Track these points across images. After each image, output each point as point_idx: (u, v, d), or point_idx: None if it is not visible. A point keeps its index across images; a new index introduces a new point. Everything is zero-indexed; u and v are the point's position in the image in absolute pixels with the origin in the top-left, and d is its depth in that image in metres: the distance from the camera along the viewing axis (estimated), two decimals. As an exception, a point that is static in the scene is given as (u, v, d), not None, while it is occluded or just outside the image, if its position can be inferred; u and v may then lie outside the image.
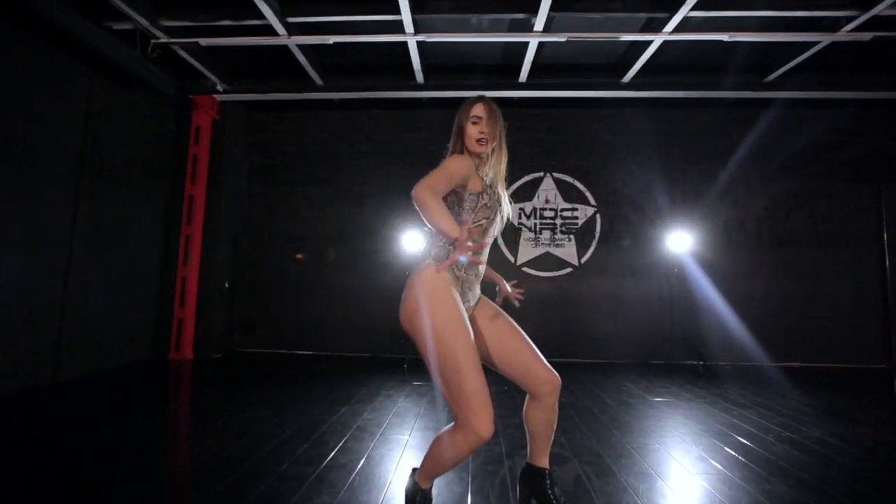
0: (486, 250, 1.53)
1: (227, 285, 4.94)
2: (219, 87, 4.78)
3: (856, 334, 4.78)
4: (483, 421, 1.23)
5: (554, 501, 1.47)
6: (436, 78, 4.64)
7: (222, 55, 4.49)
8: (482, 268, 1.53)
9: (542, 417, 1.48)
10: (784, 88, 4.43)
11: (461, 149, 1.57)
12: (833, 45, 3.83)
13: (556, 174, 5.03)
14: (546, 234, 4.97)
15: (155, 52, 3.98)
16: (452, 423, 1.30)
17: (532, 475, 1.54)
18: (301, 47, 4.09)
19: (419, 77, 4.50)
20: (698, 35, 3.61)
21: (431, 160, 5.18)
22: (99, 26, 3.69)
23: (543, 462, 1.52)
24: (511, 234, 5.00)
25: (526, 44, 3.88)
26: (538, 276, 4.94)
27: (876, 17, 3.42)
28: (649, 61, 4.09)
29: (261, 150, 5.39)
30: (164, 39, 3.91)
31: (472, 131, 1.54)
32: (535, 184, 5.04)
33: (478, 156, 1.55)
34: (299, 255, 4.97)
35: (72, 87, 3.60)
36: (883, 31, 3.59)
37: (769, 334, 4.69)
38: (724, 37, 3.60)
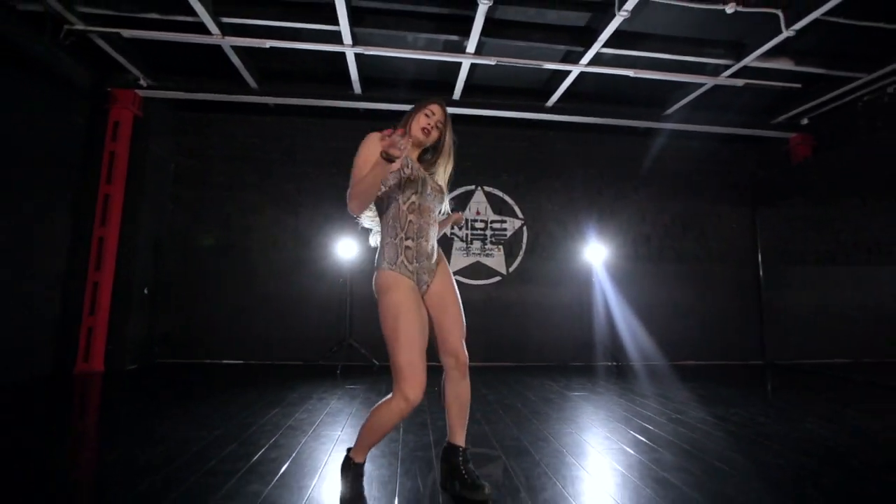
0: (432, 231, 1.63)
1: (146, 292, 4.63)
2: (142, 82, 4.54)
3: (738, 336, 5.52)
4: (412, 386, 1.43)
5: (466, 476, 1.61)
6: (373, 90, 4.77)
7: (147, 49, 4.29)
8: (430, 247, 1.62)
9: (450, 390, 1.65)
10: (679, 121, 5.10)
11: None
12: (716, 88, 4.51)
13: (486, 188, 5.34)
14: (477, 245, 5.23)
15: (68, 39, 3.74)
16: (389, 394, 1.49)
17: (449, 452, 1.68)
18: (236, 49, 4.04)
19: (357, 88, 4.61)
20: (609, 69, 4.10)
21: None
22: (2, 5, 3.41)
23: (459, 440, 1.67)
24: (444, 243, 5.20)
25: (459, 64, 4.15)
26: (469, 285, 5.17)
27: (747, 68, 4.10)
28: (569, 89, 4.54)
29: (188, 153, 5.17)
30: (79, 26, 3.68)
31: (422, 121, 1.65)
32: (468, 196, 5.31)
33: (416, 145, 1.67)
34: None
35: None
36: (753, 80, 4.31)
37: (669, 337, 5.28)
38: (629, 73, 4.12)
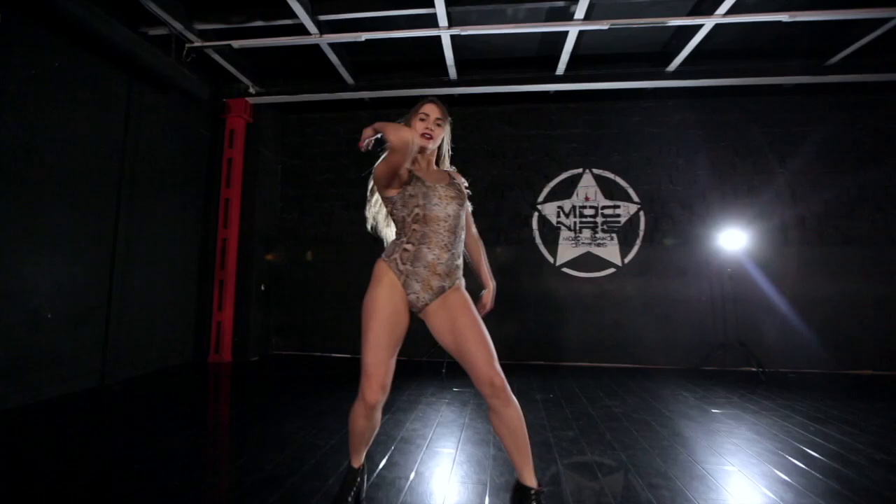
0: (439, 239, 1.57)
1: (262, 288, 4.93)
2: (251, 90, 4.77)
3: (932, 338, 4.37)
4: (369, 386, 1.49)
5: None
6: (469, 73, 4.50)
7: (254, 57, 4.47)
8: (432, 257, 1.55)
9: (498, 423, 1.45)
10: (848, 72, 4.08)
11: None
12: (906, 22, 3.49)
13: (595, 170, 4.81)
14: (586, 233, 4.75)
15: (190, 56, 3.99)
16: None
17: (519, 494, 1.47)
18: (333, 46, 4.02)
19: (452, 73, 4.37)
20: (754, 17, 3.34)
21: (463, 157, 5.07)
22: (135, 32, 3.71)
23: (527, 479, 1.45)
24: (550, 233, 4.81)
25: (564, 34, 3.70)
26: (578, 277, 4.73)
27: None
28: (697, 48, 3.84)
29: (293, 153, 5.38)
30: (198, 43, 3.91)
31: (418, 126, 1.66)
32: (574, 181, 4.83)
33: (422, 151, 1.68)
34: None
35: (110, 94, 3.63)
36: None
37: (836, 338, 4.34)
38: (783, 17, 3.32)
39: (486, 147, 5.00)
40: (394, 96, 4.80)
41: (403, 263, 1.58)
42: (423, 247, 1.55)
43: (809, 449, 2.30)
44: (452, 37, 3.81)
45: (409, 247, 1.58)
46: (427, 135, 1.64)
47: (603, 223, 4.73)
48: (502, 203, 4.90)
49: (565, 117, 4.88)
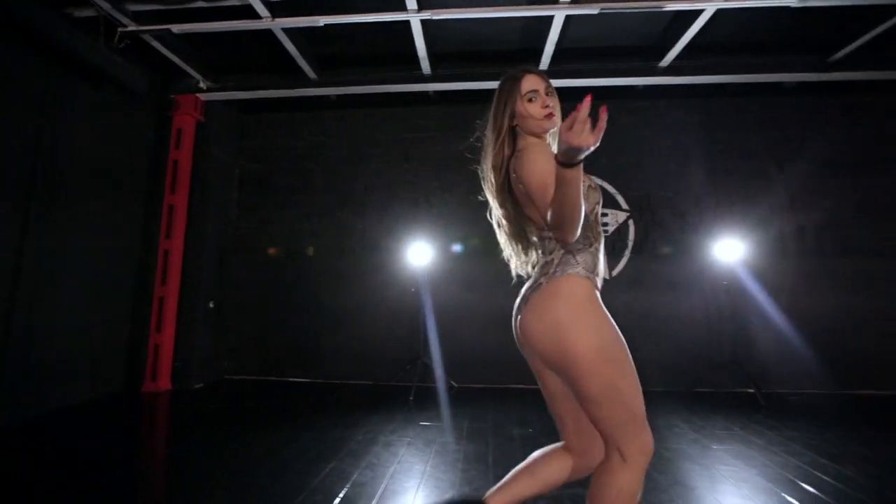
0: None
1: (211, 305, 4.41)
2: (201, 85, 4.30)
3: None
4: (650, 435, 1.12)
5: None
6: (444, 68, 4.09)
7: (204, 48, 4.01)
8: (602, 266, 1.22)
9: (559, 470, 1.26)
10: (852, 69, 3.77)
11: (503, 137, 1.26)
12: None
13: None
14: (571, 244, 4.35)
15: (122, 42, 3.51)
16: (604, 468, 1.11)
17: None
18: (289, 34, 3.58)
19: (425, 66, 3.96)
20: (761, 1, 3.00)
21: (440, 163, 4.56)
22: (58, 13, 3.22)
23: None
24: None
25: (549, 21, 3.31)
26: (563, 292, 4.31)
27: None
28: (693, 40, 3.49)
29: (252, 156, 4.90)
30: (132, 27, 3.43)
31: (534, 109, 1.23)
32: (558, 186, 4.44)
33: (543, 136, 1.25)
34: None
35: (20, 83, 3.12)
36: None
37: (836, 356, 3.98)
38: (792, 2, 2.98)
39: (466, 150, 4.58)
40: (363, 93, 4.38)
41: (594, 275, 1.18)
42: (600, 254, 1.22)
43: (820, 491, 1.90)
44: (424, 23, 3.40)
45: (601, 257, 1.22)
46: (550, 114, 1.23)
47: (589, 232, 4.34)
48: (483, 211, 4.47)
49: (548, 117, 4.50)
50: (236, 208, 4.80)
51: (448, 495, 1.95)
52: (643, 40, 3.75)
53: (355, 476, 2.17)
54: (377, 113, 4.74)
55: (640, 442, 1.08)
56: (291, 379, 4.44)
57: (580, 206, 0.95)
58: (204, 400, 3.73)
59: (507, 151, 1.26)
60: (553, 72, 3.92)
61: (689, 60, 3.80)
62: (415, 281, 4.28)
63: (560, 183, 0.92)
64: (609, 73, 3.87)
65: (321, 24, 3.38)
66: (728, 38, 3.67)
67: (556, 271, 1.15)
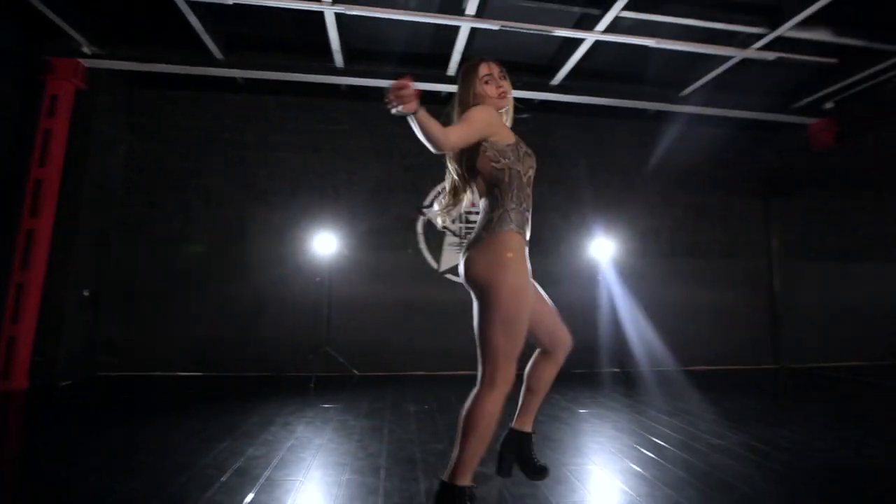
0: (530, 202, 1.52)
1: (86, 294, 3.99)
2: (85, 50, 3.90)
3: (750, 337, 5.08)
4: (511, 372, 1.37)
5: (536, 461, 1.61)
6: (357, 63, 4.19)
7: (93, 10, 3.66)
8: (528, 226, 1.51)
9: (551, 373, 1.61)
10: (696, 104, 4.61)
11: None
12: (737, 68, 4.02)
13: (483, 176, 4.79)
14: (472, 239, 4.69)
15: (-15, -11, 3.09)
16: (477, 391, 1.38)
17: (519, 440, 1.61)
18: (194, 7, 3.43)
19: (338, 59, 4.03)
20: (627, 38, 3.58)
21: (349, 156, 4.67)
22: None
23: (529, 427, 1.63)
24: (435, 238, 4.66)
25: (456, 31, 3.60)
26: (462, 284, 4.62)
27: (781, 38, 3.62)
28: (579, 65, 4.02)
29: (144, 133, 4.53)
30: (-2, -26, 3.05)
31: (490, 90, 1.53)
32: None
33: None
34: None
35: None
36: (786, 53, 3.83)
37: (679, 339, 4.79)
38: (650, 42, 3.60)
39: (374, 146, 4.71)
40: (272, 79, 4.29)
41: (523, 231, 1.47)
42: (528, 213, 1.49)
43: (661, 441, 2.38)
44: (338, 16, 3.48)
45: (528, 216, 1.50)
46: (504, 94, 1.54)
47: (488, 229, 4.72)
48: (388, 205, 4.64)
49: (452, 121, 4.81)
50: (122, 189, 4.41)
51: (344, 462, 2.07)
52: (538, 59, 4.21)
53: (250, 451, 2.19)
54: (288, 101, 4.68)
55: (507, 373, 1.36)
56: (182, 373, 4.18)
57: (430, 140, 1.29)
58: (69, 397, 3.38)
59: None
60: (454, 78, 4.22)
61: (576, 81, 4.34)
62: (319, 271, 4.30)
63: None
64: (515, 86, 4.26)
65: (230, 1, 3.30)
66: (605, 67, 4.27)
67: (495, 227, 1.42)
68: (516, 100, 1.73)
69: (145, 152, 4.49)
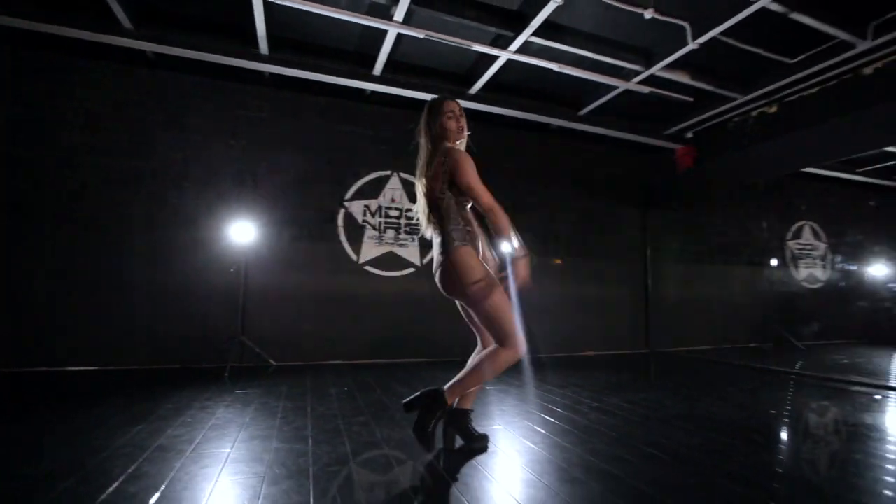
0: None
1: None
2: (-43, 1, 3.43)
3: (629, 327, 5.97)
4: (521, 340, 1.81)
5: (475, 432, 1.99)
6: (282, 53, 4.19)
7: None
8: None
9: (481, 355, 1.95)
10: (591, 124, 5.33)
11: (434, 144, 1.97)
12: (624, 94, 4.77)
13: (402, 174, 5.05)
14: (390, 234, 4.91)
15: None
16: (497, 347, 1.82)
17: (459, 416, 1.96)
18: (101, -26, 3.22)
19: (263, 46, 4.00)
20: (535, 60, 4.07)
21: (271, 145, 4.70)
22: None
23: (469, 404, 2.00)
24: (355, 231, 4.80)
25: (384, 34, 3.81)
26: (380, 276, 4.83)
27: (654, 76, 4.38)
28: (494, 78, 4.45)
29: (30, 101, 4.04)
30: None
31: (452, 125, 1.96)
32: (382, 181, 4.96)
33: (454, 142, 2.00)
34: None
35: None
36: (657, 88, 4.63)
37: (572, 329, 5.50)
38: (554, 66, 4.14)
39: (297, 137, 4.72)
40: (188, 58, 4.10)
41: (476, 240, 1.95)
42: (469, 227, 1.96)
43: (554, 406, 2.83)
44: (267, 4, 3.49)
45: (469, 231, 1.93)
46: (462, 129, 2.01)
47: (406, 225, 4.98)
48: (309, 196, 4.68)
49: (379, 119, 5.00)
50: (5, 162, 3.90)
51: (270, 435, 2.18)
52: (457, 68, 4.57)
53: (169, 431, 2.21)
54: (206, 84, 4.49)
55: (521, 338, 1.81)
56: (72, 368, 3.84)
57: (503, 228, 1.82)
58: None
59: (437, 149, 1.94)
60: (383, 79, 4.43)
61: (490, 93, 4.79)
62: (235, 261, 4.22)
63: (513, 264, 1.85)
64: (431, 90, 4.58)
65: (146, -25, 3.16)
66: (517, 83, 4.78)
67: (455, 244, 1.84)
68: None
69: (33, 123, 4.02)
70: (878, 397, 3.23)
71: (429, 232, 1.98)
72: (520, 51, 3.93)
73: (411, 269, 4.96)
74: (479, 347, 2.04)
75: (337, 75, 4.29)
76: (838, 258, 7.73)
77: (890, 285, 7.62)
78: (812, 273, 7.41)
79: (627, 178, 6.27)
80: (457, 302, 2.02)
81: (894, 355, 5.70)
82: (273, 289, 4.42)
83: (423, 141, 1.96)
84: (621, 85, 4.50)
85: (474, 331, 2.07)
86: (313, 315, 4.54)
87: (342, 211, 4.78)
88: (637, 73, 4.36)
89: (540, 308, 5.32)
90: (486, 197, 1.81)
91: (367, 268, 4.81)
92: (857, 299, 7.65)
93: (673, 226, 6.48)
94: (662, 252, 6.33)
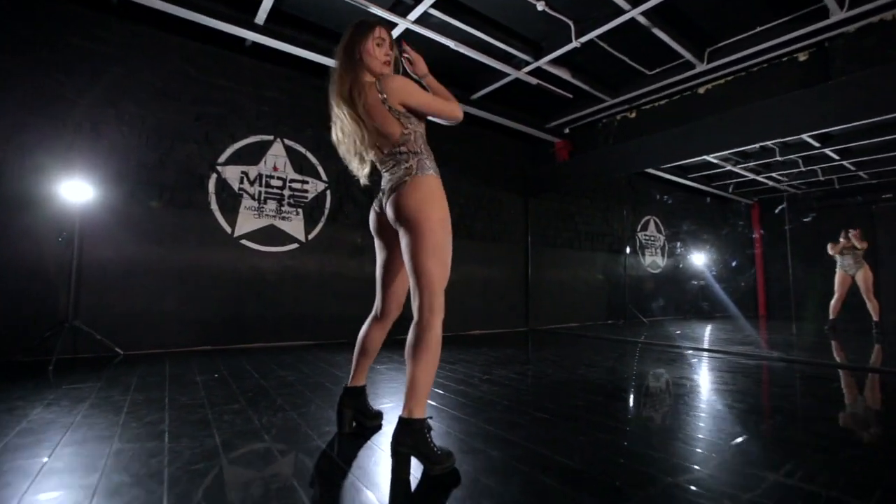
0: None
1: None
2: None
3: (511, 307, 6.35)
4: (443, 301, 1.57)
5: (372, 409, 1.90)
6: (133, -23, 3.44)
7: None
8: None
9: (381, 337, 1.84)
10: (482, 109, 5.46)
11: (355, 70, 1.62)
12: (516, 84, 4.96)
13: (287, 141, 4.58)
14: (272, 205, 4.44)
15: None
16: (419, 320, 1.54)
17: (356, 394, 1.84)
18: None
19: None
20: (433, 34, 3.98)
21: (123, 88, 3.90)
22: None
23: (362, 382, 1.86)
24: (230, 200, 4.23)
25: (266, -22, 3.35)
26: (260, 251, 4.35)
27: (540, 69, 4.62)
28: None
29: None
30: None
31: (379, 53, 1.65)
32: (263, 147, 4.44)
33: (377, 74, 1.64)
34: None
35: None
36: (543, 81, 4.90)
37: (460, 309, 5.65)
38: (451, 43, 4.10)
39: (155, 82, 3.94)
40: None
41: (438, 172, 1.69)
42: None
43: (447, 382, 2.83)
44: None
45: (433, 159, 1.68)
46: (388, 62, 1.69)
47: (290, 196, 4.55)
48: (171, 155, 3.98)
49: (260, 76, 4.44)
50: None
51: (111, 434, 1.78)
52: (352, 33, 4.26)
53: (-43, 440, 1.66)
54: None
55: (442, 300, 1.55)
56: None
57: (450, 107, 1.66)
58: None
59: (359, 79, 1.60)
60: (266, 30, 3.93)
61: (386, 64, 4.57)
62: (66, 226, 3.40)
63: (434, 91, 1.75)
64: (322, 51, 4.19)
65: None
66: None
67: (417, 172, 1.57)
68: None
69: None
70: (697, 359, 3.90)
71: (364, 170, 1.72)
72: (419, 21, 3.80)
73: (295, 245, 4.56)
74: (370, 324, 1.82)
75: (211, 16, 3.67)
76: (673, 248, 9.22)
77: (706, 269, 9.37)
78: (654, 260, 8.71)
79: (511, 166, 6.60)
80: (377, 251, 1.80)
81: (707, 326, 7.01)
82: (120, 263, 3.68)
83: (337, 66, 1.62)
84: (512, 72, 4.66)
85: (379, 291, 1.80)
86: (176, 294, 3.90)
87: (214, 176, 4.16)
88: (527, 64, 4.55)
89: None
90: (449, 105, 1.65)
91: (244, 241, 4.28)
92: (686, 281, 9.23)
93: (548, 214, 7.02)
94: (540, 238, 6.83)
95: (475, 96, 5.28)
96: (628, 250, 8.11)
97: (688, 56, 4.35)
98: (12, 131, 3.39)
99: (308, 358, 3.64)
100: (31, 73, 3.47)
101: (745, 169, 7.94)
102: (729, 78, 4.93)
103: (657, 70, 4.90)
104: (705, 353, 4.13)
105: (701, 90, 5.17)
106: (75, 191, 3.31)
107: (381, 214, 1.73)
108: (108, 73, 3.73)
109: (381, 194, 1.71)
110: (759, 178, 8.16)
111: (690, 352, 4.25)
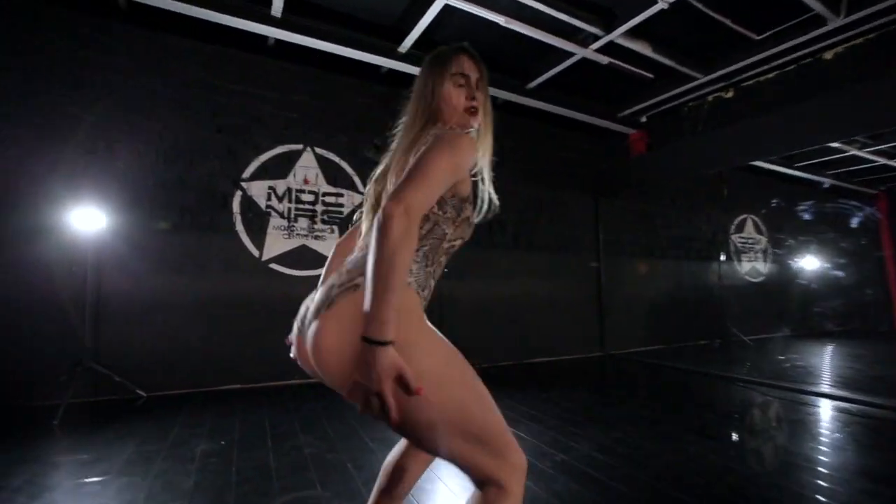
0: None
1: None
2: None
3: (582, 328, 5.45)
4: (519, 450, 0.89)
5: None
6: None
7: None
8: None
9: (421, 469, 1.09)
10: (542, 99, 4.67)
11: (423, 120, 1.03)
12: (581, 65, 4.12)
13: (318, 150, 4.10)
14: (303, 223, 3.97)
15: None
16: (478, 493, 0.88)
17: None
18: None
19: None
20: (477, 8, 3.28)
21: (138, 103, 3.36)
22: None
23: None
24: (257, 219, 3.81)
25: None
26: (291, 276, 3.89)
27: (613, 44, 3.76)
28: (428, 31, 3.62)
29: None
30: None
31: (457, 97, 1.04)
32: (292, 158, 3.99)
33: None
34: None
35: None
36: (616, 60, 4.02)
37: (520, 332, 4.88)
38: (500, 19, 3.38)
39: (170, 92, 3.61)
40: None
41: (423, 291, 0.96)
42: (433, 280, 0.99)
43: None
44: None
45: (432, 283, 0.99)
46: (474, 110, 1.05)
47: (323, 212, 4.05)
48: (191, 172, 3.62)
49: (286, 79, 4.00)
50: None
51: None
52: (385, 20, 3.68)
53: None
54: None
55: (511, 460, 0.87)
56: None
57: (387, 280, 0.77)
58: None
59: (425, 133, 1.00)
60: (286, 22, 3.45)
61: (425, 52, 3.94)
62: (79, 258, 3.12)
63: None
64: (349, 43, 3.66)
65: None
66: (451, 40, 3.96)
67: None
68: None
69: None
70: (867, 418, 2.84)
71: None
72: (459, -6, 3.13)
73: (330, 268, 4.05)
74: (398, 458, 1.11)
75: (219, 10, 3.25)
76: (778, 251, 7.76)
77: (820, 276, 7.79)
78: (755, 266, 7.35)
79: (579, 163, 5.71)
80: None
81: (829, 348, 5.64)
82: (141, 294, 3.35)
83: (407, 117, 1.07)
84: (578, 51, 3.84)
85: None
86: (201, 327, 3.52)
87: (239, 194, 3.77)
88: (595, 38, 3.71)
89: (484, 307, 4.64)
90: (406, 217, 0.79)
91: (274, 265, 3.84)
92: (795, 290, 7.73)
93: (625, 217, 6.04)
94: (613, 244, 5.87)
95: (531, 85, 4.50)
96: (723, 257, 6.86)
97: (818, 8, 3.30)
98: (30, 156, 3.16)
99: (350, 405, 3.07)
100: (44, 93, 3.23)
101: (873, 153, 6.42)
102: (870, 36, 3.77)
103: (768, 34, 3.85)
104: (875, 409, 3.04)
105: (828, 54, 4.03)
106: (89, 218, 3.01)
107: None
108: (120, 85, 3.43)
109: None
110: (894, 164, 6.59)
111: (850, 405, 3.13)
